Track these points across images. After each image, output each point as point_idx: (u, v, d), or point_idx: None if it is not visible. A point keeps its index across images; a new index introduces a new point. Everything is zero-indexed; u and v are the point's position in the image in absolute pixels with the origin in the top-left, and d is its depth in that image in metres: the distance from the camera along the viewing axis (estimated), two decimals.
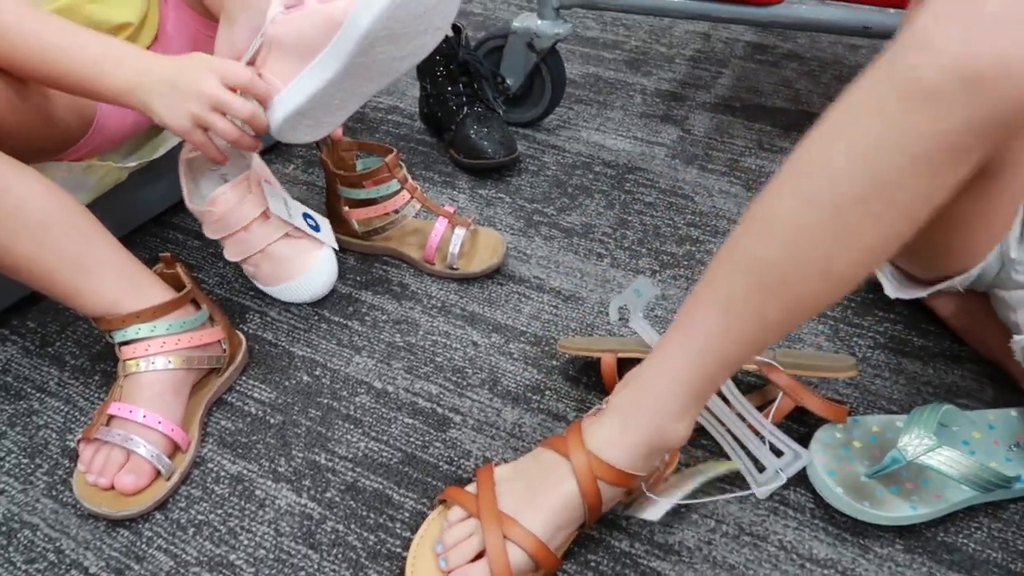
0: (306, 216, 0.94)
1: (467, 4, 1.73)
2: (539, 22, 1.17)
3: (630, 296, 0.79)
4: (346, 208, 1.01)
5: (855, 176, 0.51)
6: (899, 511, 0.68)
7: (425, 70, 1.20)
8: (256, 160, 0.92)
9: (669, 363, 0.61)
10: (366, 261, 1.02)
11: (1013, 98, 0.47)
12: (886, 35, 1.07)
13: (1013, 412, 0.77)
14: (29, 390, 0.84)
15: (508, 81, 1.23)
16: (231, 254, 0.90)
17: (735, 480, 0.74)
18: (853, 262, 0.54)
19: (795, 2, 1.07)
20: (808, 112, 1.32)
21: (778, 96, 1.37)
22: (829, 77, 1.42)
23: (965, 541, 0.70)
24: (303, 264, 0.92)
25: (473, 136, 1.15)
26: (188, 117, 0.71)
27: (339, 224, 1.02)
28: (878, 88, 0.51)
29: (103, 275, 0.73)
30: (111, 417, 0.73)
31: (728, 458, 0.73)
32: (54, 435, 0.80)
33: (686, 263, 1.01)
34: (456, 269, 0.97)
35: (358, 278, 0.99)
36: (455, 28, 1.19)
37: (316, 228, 0.93)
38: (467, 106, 1.18)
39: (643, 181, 1.17)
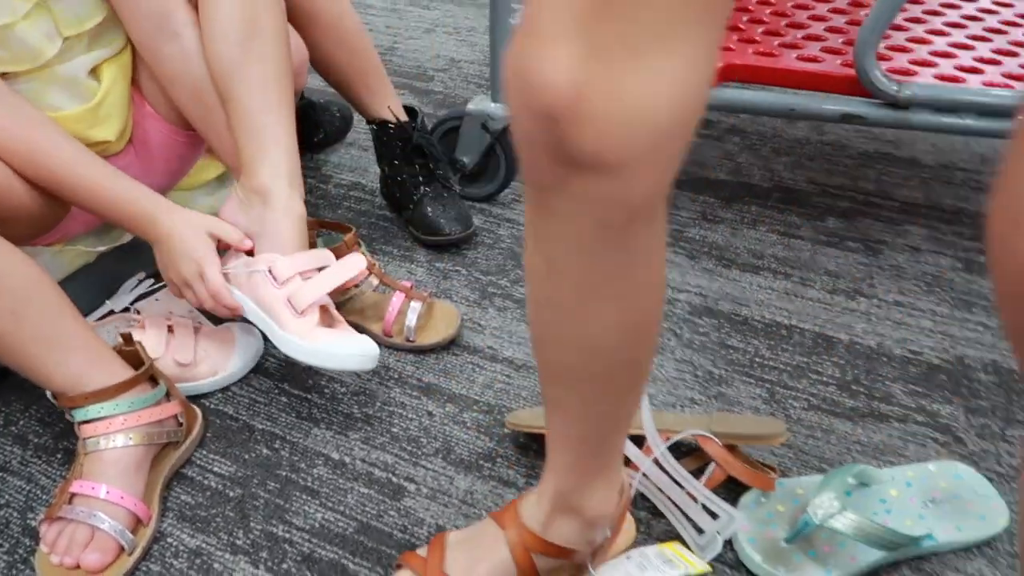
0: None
1: (428, 83, 1.82)
2: (492, 105, 1.25)
3: None
4: None
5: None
6: None
7: (383, 154, 1.26)
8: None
9: (549, 444, 0.63)
10: None
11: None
12: (812, 116, 1.16)
13: (931, 467, 0.83)
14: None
15: (464, 160, 1.30)
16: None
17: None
18: (590, 336, 0.53)
19: (728, 87, 1.15)
20: (748, 184, 1.40)
21: (721, 169, 1.46)
22: (768, 150, 1.52)
23: None
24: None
25: (430, 214, 1.21)
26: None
27: None
28: None
29: (71, 351, 0.76)
30: (73, 495, 0.75)
31: (682, 539, 0.77)
32: (15, 514, 0.81)
33: None
34: (413, 341, 1.02)
35: None
36: (410, 112, 1.26)
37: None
38: (424, 186, 1.24)
39: None
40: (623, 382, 0.57)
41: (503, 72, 0.43)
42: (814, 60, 1.14)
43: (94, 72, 0.92)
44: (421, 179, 1.24)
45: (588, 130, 0.40)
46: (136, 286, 1.06)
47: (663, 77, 0.39)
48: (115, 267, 1.08)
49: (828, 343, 1.04)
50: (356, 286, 1.04)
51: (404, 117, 1.23)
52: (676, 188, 1.38)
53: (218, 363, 0.96)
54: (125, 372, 0.79)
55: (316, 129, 1.48)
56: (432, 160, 1.25)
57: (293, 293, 0.86)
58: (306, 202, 0.97)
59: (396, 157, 1.24)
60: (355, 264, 0.91)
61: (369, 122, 1.25)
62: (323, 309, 0.89)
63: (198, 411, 0.89)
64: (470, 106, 1.26)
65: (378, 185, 1.37)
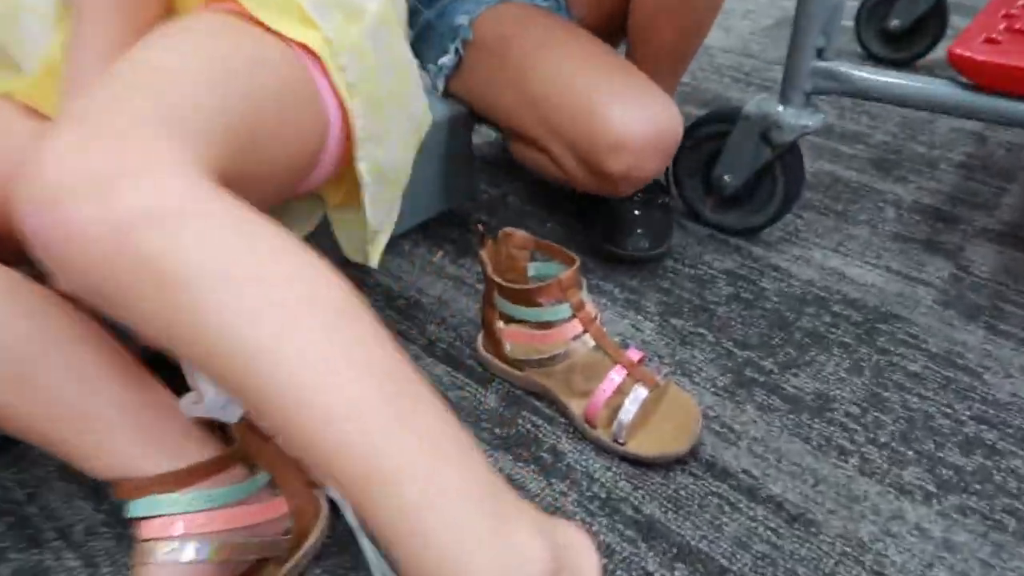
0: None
1: None
2: (781, 108, 0.89)
3: None
4: (500, 324, 0.76)
5: None
6: None
7: None
8: None
9: None
10: (512, 405, 0.76)
11: None
12: None
13: None
14: (49, 534, 0.64)
15: (727, 178, 0.95)
16: None
17: None
18: None
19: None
20: None
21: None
22: None
23: None
24: None
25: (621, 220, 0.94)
26: None
27: (489, 341, 0.78)
28: None
29: (112, 425, 0.51)
30: None
31: None
32: None
33: (977, 486, 0.67)
34: (623, 444, 0.69)
35: (496, 431, 0.73)
36: None
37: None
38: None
39: (903, 338, 0.84)
40: None
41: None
42: None
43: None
44: None
45: None
46: None
47: None
48: None
49: None
50: (565, 343, 0.73)
51: None
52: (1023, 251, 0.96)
53: None
54: (199, 453, 0.53)
55: None
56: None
57: None
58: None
59: None
60: None
61: None
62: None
63: (324, 505, 0.62)
64: (749, 107, 0.90)
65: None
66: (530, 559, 0.39)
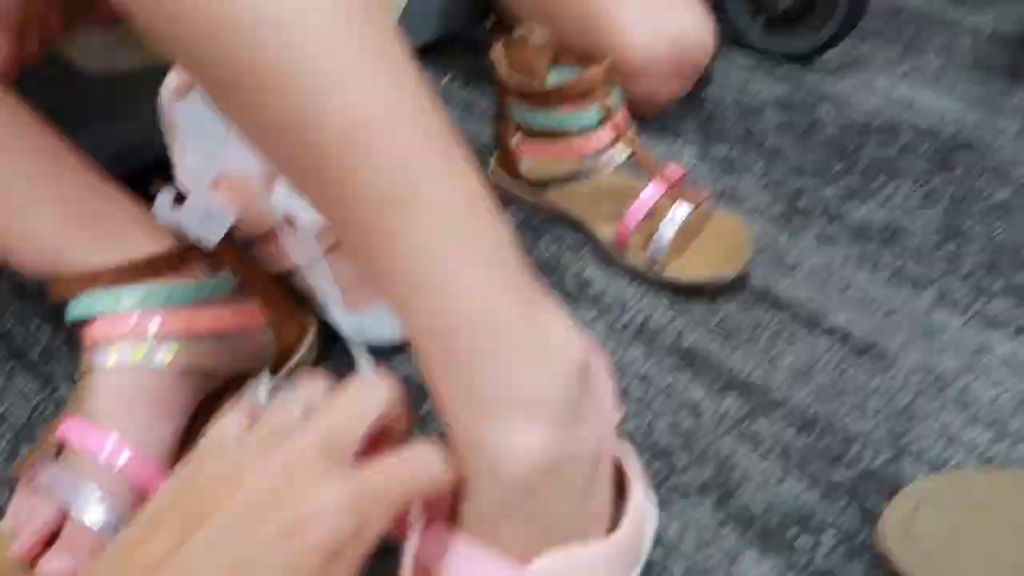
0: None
1: None
2: None
3: None
4: (516, 138, 0.66)
5: None
6: None
7: None
8: None
9: None
10: (534, 230, 0.66)
11: None
12: None
13: None
14: (5, 352, 0.56)
15: None
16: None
17: None
18: None
19: None
20: None
21: None
22: None
23: None
24: None
25: None
26: None
27: (506, 160, 0.67)
28: None
29: (42, 210, 0.42)
30: (61, 443, 0.42)
31: None
32: (8, 435, 0.51)
33: None
34: (660, 269, 0.59)
35: None
36: None
37: None
38: None
39: (983, 166, 0.73)
40: None
41: None
42: None
43: None
44: None
45: None
46: None
47: None
48: None
49: None
50: (591, 156, 0.62)
51: None
52: None
53: None
54: (150, 244, 0.44)
55: None
56: None
57: None
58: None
59: None
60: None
61: None
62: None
63: (313, 321, 0.53)
64: None
65: None
66: (567, 344, 0.32)
